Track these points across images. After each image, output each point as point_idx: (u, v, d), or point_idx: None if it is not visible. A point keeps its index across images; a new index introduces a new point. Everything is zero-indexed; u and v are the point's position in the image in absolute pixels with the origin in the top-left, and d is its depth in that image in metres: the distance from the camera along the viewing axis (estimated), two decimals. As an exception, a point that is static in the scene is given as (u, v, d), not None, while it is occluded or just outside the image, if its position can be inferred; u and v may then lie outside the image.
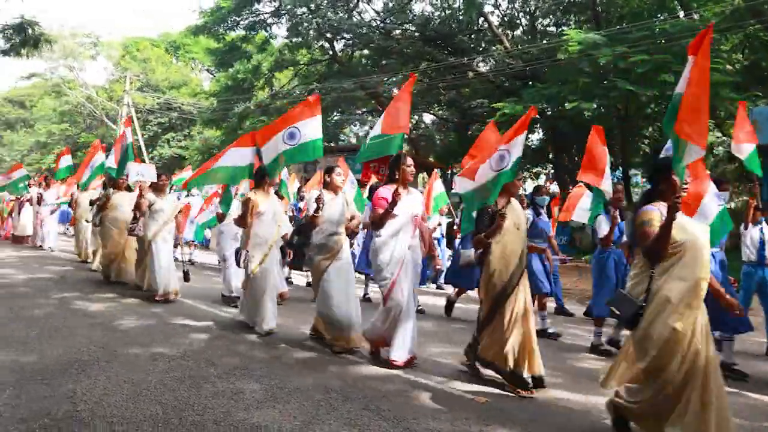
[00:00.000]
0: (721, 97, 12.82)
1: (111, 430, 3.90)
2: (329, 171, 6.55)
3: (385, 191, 5.71)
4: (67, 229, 18.52)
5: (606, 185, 6.92)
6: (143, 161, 11.29)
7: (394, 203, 5.54)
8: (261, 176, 7.36)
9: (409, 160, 6.01)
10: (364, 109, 26.62)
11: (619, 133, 18.21)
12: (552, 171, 23.30)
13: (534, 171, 24.60)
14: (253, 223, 7.06)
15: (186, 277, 9.39)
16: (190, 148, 37.40)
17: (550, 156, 22.27)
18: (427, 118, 28.34)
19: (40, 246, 16.40)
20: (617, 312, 3.94)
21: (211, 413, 4.21)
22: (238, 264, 7.23)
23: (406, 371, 5.50)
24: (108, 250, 10.38)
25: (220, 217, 9.19)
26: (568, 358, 6.64)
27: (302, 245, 6.57)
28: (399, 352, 5.59)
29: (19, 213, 17.60)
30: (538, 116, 18.70)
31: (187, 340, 6.45)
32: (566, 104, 15.62)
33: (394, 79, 21.79)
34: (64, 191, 16.48)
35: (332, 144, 26.97)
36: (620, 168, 19.32)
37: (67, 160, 14.00)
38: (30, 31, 14.56)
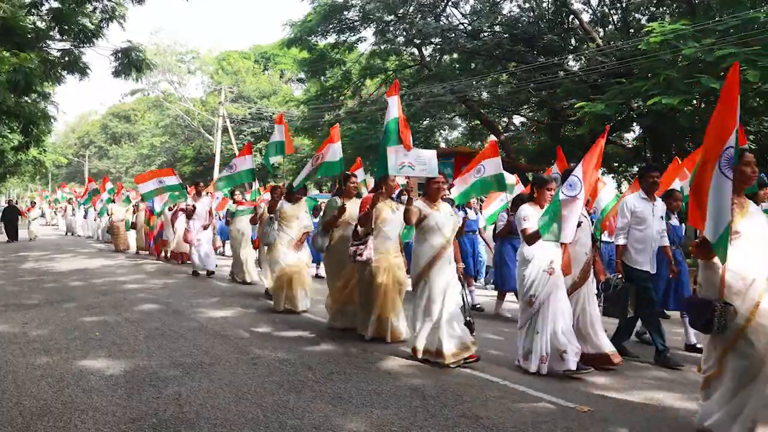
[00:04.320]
0: None
1: (215, 432, 4.01)
2: None
3: None
4: (221, 246, 16.52)
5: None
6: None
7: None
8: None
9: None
10: (454, 113, 26.44)
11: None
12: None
13: (632, 173, 23.63)
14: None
15: (470, 326, 6.01)
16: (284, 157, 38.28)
17: (647, 154, 21.36)
18: (517, 119, 27.92)
19: (197, 272, 12.81)
20: None
21: (309, 418, 4.26)
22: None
23: (504, 379, 5.36)
24: (340, 287, 7.31)
25: (531, 235, 5.52)
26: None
27: None
28: None
29: (172, 225, 14.97)
30: (633, 114, 18.02)
31: (286, 345, 6.56)
32: (648, 101, 14.83)
33: (483, 82, 21.52)
34: (220, 203, 14.36)
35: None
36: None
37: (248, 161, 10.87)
38: (134, 55, 15.34)
